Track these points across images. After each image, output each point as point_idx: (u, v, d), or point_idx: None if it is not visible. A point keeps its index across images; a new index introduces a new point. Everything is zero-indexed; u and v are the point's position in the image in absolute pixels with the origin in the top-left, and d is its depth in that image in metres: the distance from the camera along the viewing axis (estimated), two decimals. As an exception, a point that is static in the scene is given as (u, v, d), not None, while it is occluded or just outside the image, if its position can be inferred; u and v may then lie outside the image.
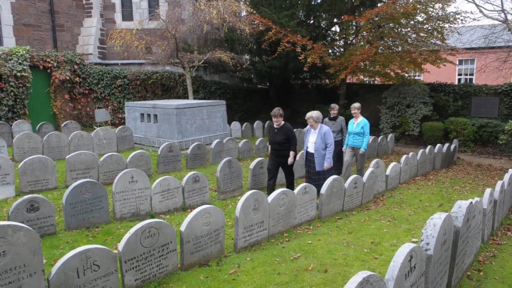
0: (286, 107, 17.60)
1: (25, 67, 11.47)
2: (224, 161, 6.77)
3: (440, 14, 13.34)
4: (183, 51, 13.89)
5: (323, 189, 5.66)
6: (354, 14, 14.71)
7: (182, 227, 3.87)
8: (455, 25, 13.64)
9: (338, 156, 8.15)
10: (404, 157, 8.72)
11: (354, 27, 15.75)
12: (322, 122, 6.76)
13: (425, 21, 13.55)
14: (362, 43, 14.84)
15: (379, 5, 14.46)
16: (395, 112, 14.45)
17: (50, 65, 12.61)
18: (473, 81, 21.63)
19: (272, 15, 13.63)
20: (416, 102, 13.96)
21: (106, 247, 3.21)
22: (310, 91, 18.20)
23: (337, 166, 8.00)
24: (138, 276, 3.52)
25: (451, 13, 13.25)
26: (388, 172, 7.80)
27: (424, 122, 13.93)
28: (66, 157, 6.89)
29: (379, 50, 13.91)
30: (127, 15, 16.75)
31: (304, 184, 5.51)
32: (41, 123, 10.92)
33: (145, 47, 13.46)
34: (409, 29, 14.01)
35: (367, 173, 6.81)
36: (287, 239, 4.91)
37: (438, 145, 10.67)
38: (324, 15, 15.62)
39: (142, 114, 11.07)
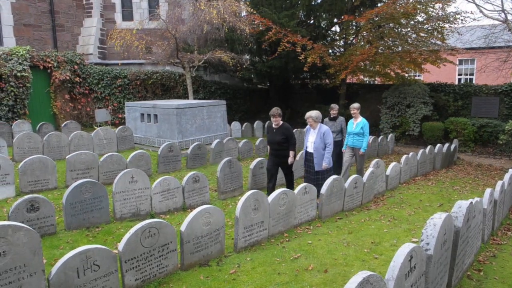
0: (286, 107, 17.61)
1: (25, 67, 11.47)
2: (224, 161, 6.78)
3: (440, 14, 13.34)
4: (183, 51, 13.89)
5: (323, 189, 5.66)
6: (354, 14, 14.71)
7: (182, 227, 3.88)
8: (455, 25, 13.64)
9: (338, 156, 8.15)
10: (404, 157, 8.72)
11: (354, 27, 15.75)
12: (322, 122, 6.76)
13: (425, 21, 13.55)
14: (362, 43, 14.84)
15: (379, 5, 14.46)
16: (395, 112, 14.45)
17: (50, 65, 12.62)
18: (473, 81, 21.63)
19: (272, 15, 13.63)
20: (416, 102, 13.96)
21: (106, 247, 3.21)
22: (310, 91, 18.20)
23: (337, 167, 7.99)
24: (138, 276, 3.52)
25: (451, 13, 13.25)
26: (388, 172, 7.80)
27: (424, 122, 13.93)
28: (66, 157, 6.90)
29: (379, 50, 13.91)
30: (127, 15, 16.76)
31: (304, 184, 5.50)
32: (41, 123, 10.92)
33: (145, 47, 13.46)
34: (409, 29, 14.01)
35: (367, 173, 6.81)
36: (287, 239, 4.91)
37: (438, 145, 10.67)
38: (324, 15, 15.62)
39: (142, 114, 11.08)
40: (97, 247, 3.12)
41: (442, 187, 8.37)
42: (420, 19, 13.76)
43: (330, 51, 16.15)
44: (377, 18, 13.41)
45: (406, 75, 15.87)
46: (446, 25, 13.56)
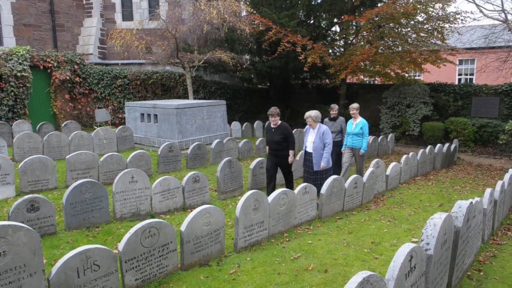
0: (286, 107, 17.62)
1: (25, 67, 11.47)
2: (224, 161, 6.77)
3: (440, 14, 13.34)
4: (183, 51, 13.89)
5: (324, 189, 5.66)
6: (354, 14, 14.71)
7: (182, 227, 3.88)
8: (455, 25, 13.65)
9: (337, 156, 8.14)
10: (404, 157, 8.72)
11: (354, 27, 15.75)
12: (322, 123, 6.75)
13: (425, 21, 13.55)
14: (362, 43, 14.84)
15: (379, 5, 14.47)
16: (395, 112, 14.45)
17: (50, 65, 12.62)
18: (473, 81, 21.62)
19: (272, 15, 13.63)
20: (416, 102, 13.96)
21: (106, 247, 3.21)
22: (310, 91, 18.20)
23: (337, 167, 7.98)
24: (138, 276, 3.52)
25: (451, 13, 13.25)
26: (388, 172, 7.80)
27: (424, 122, 13.93)
28: (66, 157, 6.90)
29: (379, 50, 13.91)
30: (127, 15, 16.76)
31: (304, 184, 5.50)
32: (41, 123, 10.92)
33: (145, 47, 13.46)
34: (409, 29, 14.01)
35: (367, 173, 6.80)
36: (287, 239, 4.91)
37: (438, 145, 10.67)
38: (324, 15, 15.62)
39: (142, 114, 11.08)
40: (97, 247, 3.12)
41: (442, 187, 8.37)
42: (420, 19, 13.77)
43: (330, 51, 16.15)
44: (377, 18, 13.41)
45: (406, 75, 15.87)
46: (446, 25, 13.56)
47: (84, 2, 16.15)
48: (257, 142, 10.81)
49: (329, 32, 17.02)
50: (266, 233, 4.79)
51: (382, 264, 4.10)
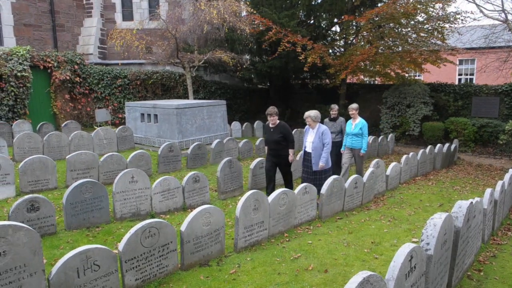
0: (287, 107, 17.63)
1: (25, 67, 11.47)
2: (225, 161, 6.77)
3: (440, 14, 13.34)
4: (184, 51, 13.89)
5: (324, 189, 5.66)
6: (354, 14, 14.72)
7: (183, 227, 3.88)
8: (456, 25, 13.64)
9: (337, 157, 8.12)
10: (404, 157, 8.72)
11: (354, 27, 15.75)
12: (322, 123, 6.74)
13: (425, 21, 13.55)
14: (363, 43, 14.84)
15: (379, 5, 14.46)
16: (395, 112, 14.45)
17: (50, 65, 12.62)
18: (474, 81, 21.62)
19: (273, 15, 13.63)
20: (417, 102, 13.96)
21: (106, 247, 3.21)
22: (311, 91, 18.20)
23: (336, 167, 7.96)
24: (139, 276, 3.52)
25: (452, 13, 13.25)
26: (388, 172, 7.79)
27: (424, 122, 13.93)
28: (67, 157, 6.90)
29: (380, 50, 13.91)
30: (128, 15, 16.76)
31: (305, 184, 5.50)
32: (41, 123, 10.92)
33: (145, 47, 13.46)
34: (409, 29, 14.01)
35: (367, 173, 6.80)
36: (287, 239, 4.91)
37: (439, 145, 10.67)
38: (324, 15, 15.62)
39: (143, 114, 11.08)
40: (97, 247, 3.12)
41: (442, 187, 8.37)
42: (420, 19, 13.77)
43: (330, 51, 16.15)
44: (377, 18, 13.41)
45: (406, 75, 15.88)
46: (446, 25, 13.56)
47: (84, 2, 16.16)
48: (257, 142, 10.81)
49: (329, 32, 17.02)
50: (266, 233, 4.79)
51: (382, 264, 4.10)
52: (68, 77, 12.94)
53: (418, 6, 12.66)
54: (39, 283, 3.00)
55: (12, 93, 11.12)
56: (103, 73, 14.15)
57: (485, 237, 4.70)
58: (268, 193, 6.32)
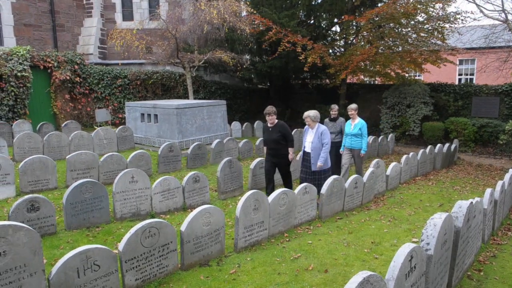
0: (287, 107, 17.62)
1: (25, 67, 11.48)
2: (225, 161, 6.77)
3: (440, 14, 13.34)
4: (184, 51, 13.89)
5: (324, 189, 5.66)
6: (354, 14, 14.71)
7: (183, 227, 3.88)
8: (456, 25, 13.64)
9: (336, 157, 8.10)
10: (404, 157, 8.72)
11: (354, 27, 15.75)
12: (322, 123, 6.72)
13: (425, 21, 13.55)
14: (363, 43, 14.84)
15: (379, 5, 14.46)
16: (395, 112, 14.45)
17: (50, 65, 12.62)
18: (474, 81, 21.62)
19: (273, 15, 13.63)
20: (417, 102, 13.96)
21: (106, 247, 3.21)
22: (311, 91, 18.19)
23: (336, 167, 7.95)
24: (139, 276, 3.52)
25: (452, 13, 13.25)
26: (388, 172, 7.79)
27: (424, 122, 13.93)
28: (67, 157, 6.90)
29: (380, 50, 13.91)
30: (128, 15, 16.76)
31: (305, 184, 5.50)
32: (41, 123, 10.92)
33: (145, 47, 13.46)
34: (409, 29, 14.01)
35: (367, 173, 6.80)
36: (287, 239, 4.91)
37: (439, 145, 10.67)
38: (324, 15, 15.62)
39: (143, 114, 11.08)
40: (97, 247, 3.12)
41: (442, 187, 8.37)
42: (421, 19, 13.76)
43: (330, 51, 16.15)
44: (377, 18, 13.41)
45: (407, 75, 15.88)
46: (447, 25, 13.56)
47: (84, 2, 16.16)
48: (257, 142, 10.81)
49: (329, 32, 17.02)
50: (266, 233, 4.79)
51: (382, 264, 4.10)
52: (68, 77, 12.95)
53: (418, 6, 12.66)
54: (39, 283, 3.00)
55: (12, 93, 11.13)
56: (103, 73, 14.15)
57: (485, 237, 4.70)
58: (268, 194, 6.31)
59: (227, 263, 4.12)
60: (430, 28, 13.63)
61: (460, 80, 22.74)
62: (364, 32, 14.25)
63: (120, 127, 10.44)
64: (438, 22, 13.40)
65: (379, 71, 14.95)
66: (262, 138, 11.01)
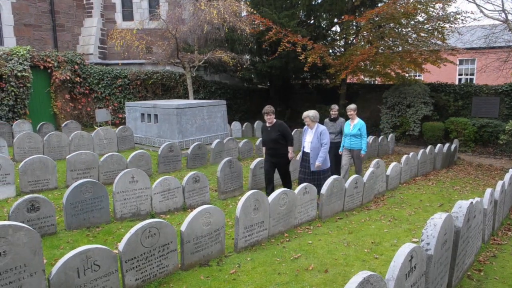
0: (287, 107, 17.62)
1: (25, 67, 11.48)
2: (225, 161, 6.77)
3: (440, 14, 13.34)
4: (184, 51, 13.89)
5: (324, 189, 5.66)
6: (354, 14, 14.71)
7: (183, 227, 3.88)
8: (456, 25, 13.64)
9: (336, 157, 8.08)
10: (404, 157, 8.72)
11: (354, 27, 15.75)
12: (322, 123, 6.71)
13: (425, 21, 13.55)
14: (363, 43, 14.84)
15: (379, 5, 14.46)
16: (395, 112, 14.45)
17: (50, 65, 12.62)
18: (474, 81, 21.62)
19: (273, 15, 13.63)
20: (417, 102, 13.96)
21: (106, 247, 3.21)
22: (311, 91, 18.19)
23: (335, 168, 7.94)
24: (139, 276, 3.52)
25: (452, 13, 13.25)
26: (388, 172, 7.79)
27: (424, 122, 13.92)
28: (67, 157, 6.90)
29: (380, 50, 13.91)
30: (128, 15, 16.77)
31: (305, 184, 5.50)
32: (41, 123, 10.93)
33: (145, 47, 13.46)
34: (409, 29, 14.01)
35: (367, 173, 6.80)
36: (287, 239, 4.91)
37: (439, 145, 10.66)
38: (324, 15, 15.62)
39: (143, 114, 11.08)
40: (98, 247, 3.12)
41: (442, 187, 8.37)
42: (421, 19, 13.76)
43: (330, 51, 16.15)
44: (377, 18, 13.40)
45: (407, 75, 15.87)
46: (447, 25, 13.56)
47: (85, 2, 16.16)
48: (257, 142, 10.81)
49: (329, 32, 17.02)
50: (266, 233, 4.79)
51: (383, 264, 4.10)
52: (68, 77, 12.95)
53: (418, 6, 12.66)
54: (39, 283, 3.00)
55: (12, 93, 11.13)
56: (103, 73, 14.15)
57: (485, 237, 4.70)
58: (268, 194, 6.30)
59: (227, 263, 4.12)
60: (430, 28, 13.63)
61: (460, 80, 22.74)
62: (364, 32, 14.25)
63: (120, 127, 10.44)
64: (438, 22, 13.40)
65: (379, 71, 14.95)
66: (261, 138, 11.02)
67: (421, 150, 9.63)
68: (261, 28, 13.71)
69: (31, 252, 2.95)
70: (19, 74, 11.21)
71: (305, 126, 6.61)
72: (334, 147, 7.91)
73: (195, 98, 14.46)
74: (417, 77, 19.32)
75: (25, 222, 4.38)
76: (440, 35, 13.48)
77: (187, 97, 14.31)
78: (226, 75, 17.85)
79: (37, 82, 12.20)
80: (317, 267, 4.00)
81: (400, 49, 14.03)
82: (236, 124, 13.73)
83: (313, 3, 15.36)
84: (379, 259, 4.27)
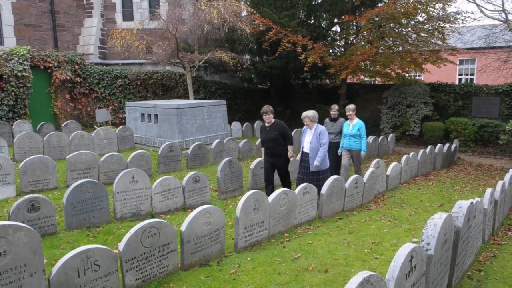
0: (287, 107, 17.62)
1: (25, 67, 11.48)
2: (225, 161, 6.77)
3: (440, 14, 13.34)
4: (184, 51, 13.89)
5: (324, 189, 5.66)
6: (354, 14, 14.71)
7: (183, 227, 3.88)
8: (456, 25, 13.64)
9: (337, 157, 8.07)
10: (404, 157, 8.72)
11: (354, 27, 15.75)
12: (323, 123, 6.70)
13: (425, 21, 13.55)
14: (363, 43, 14.83)
15: (379, 5, 14.46)
16: (395, 112, 14.45)
17: (50, 65, 12.62)
18: (474, 81, 21.62)
19: (273, 15, 13.63)
20: (417, 102, 13.96)
21: (106, 247, 3.21)
22: (311, 91, 18.19)
23: (334, 168, 7.92)
24: (139, 276, 3.52)
25: (452, 13, 13.25)
26: (388, 172, 7.79)
27: (424, 122, 13.92)
28: (67, 157, 6.90)
29: (380, 50, 13.91)
30: (128, 15, 16.77)
31: (305, 184, 5.50)
32: (41, 123, 10.93)
33: (145, 47, 13.46)
34: (409, 29, 14.01)
35: (367, 173, 6.79)
36: (287, 239, 4.91)
37: (439, 145, 10.66)
38: (324, 15, 15.62)
39: (143, 114, 11.08)
40: (98, 247, 3.12)
41: (442, 187, 8.37)
42: (421, 19, 13.76)
43: (330, 51, 16.15)
44: (377, 18, 13.40)
45: (407, 75, 15.87)
46: (447, 25, 13.56)
47: (85, 2, 16.16)
48: (258, 142, 10.79)
49: (329, 32, 17.01)
50: (267, 233, 4.79)
51: (383, 264, 4.10)
52: (68, 77, 12.95)
53: (419, 6, 12.66)
54: (40, 283, 3.00)
55: (13, 93, 11.13)
56: (104, 73, 14.16)
57: (485, 237, 4.70)
58: (268, 195, 6.29)
59: (227, 263, 4.12)
60: (430, 28, 13.63)
61: (460, 80, 22.73)
62: (364, 32, 14.25)
63: (120, 127, 10.44)
64: (438, 22, 13.40)
65: (379, 71, 14.94)
66: (262, 138, 11.01)
67: (421, 150, 9.63)
68: (261, 28, 13.70)
69: (31, 252, 2.95)
70: (19, 74, 11.22)
71: (304, 127, 6.58)
72: (335, 147, 7.91)
73: (195, 98, 14.46)
74: (417, 77, 19.31)
75: (25, 222, 4.38)
76: (440, 35, 13.47)
77: (187, 97, 14.31)
78: (226, 75, 17.85)
79: (37, 82, 12.20)
80: (317, 267, 4.00)
81: (400, 49, 14.03)
82: (236, 124, 13.73)
83: (313, 3, 15.36)
84: (379, 259, 4.27)
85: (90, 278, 3.06)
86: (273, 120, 6.54)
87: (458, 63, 21.16)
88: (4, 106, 11.03)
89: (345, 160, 7.76)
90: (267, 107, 6.46)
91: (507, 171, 7.66)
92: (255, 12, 13.45)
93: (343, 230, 5.32)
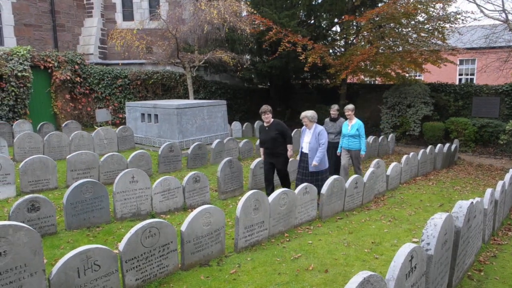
0: (287, 107, 17.62)
1: (26, 67, 11.48)
2: (225, 161, 6.77)
3: (441, 14, 13.34)
4: (184, 51, 13.89)
5: (324, 189, 5.66)
6: (354, 14, 14.71)
7: (183, 227, 3.88)
8: (456, 25, 13.63)
9: (337, 157, 8.07)
10: (404, 157, 8.71)
11: (354, 27, 15.75)
12: (322, 123, 6.69)
13: (425, 21, 13.55)
14: (363, 43, 14.84)
15: (379, 5, 14.46)
16: (395, 112, 14.45)
17: (51, 65, 12.63)
18: (474, 81, 21.61)
19: (273, 15, 13.63)
20: (417, 102, 13.96)
21: (106, 247, 3.21)
22: (311, 91, 18.19)
23: (334, 168, 7.92)
24: (139, 276, 3.52)
25: (452, 13, 13.25)
26: (388, 172, 7.79)
27: (425, 122, 13.92)
28: (67, 157, 6.90)
29: (380, 50, 13.90)
30: (128, 15, 16.77)
31: (305, 184, 5.50)
32: (42, 123, 10.93)
33: (145, 47, 13.46)
34: (409, 29, 14.01)
35: (367, 173, 6.79)
36: (287, 239, 4.91)
37: (439, 145, 10.66)
38: (324, 15, 15.62)
39: (143, 114, 11.08)
40: (98, 247, 3.12)
41: (442, 187, 8.37)
42: (421, 19, 13.76)
43: (330, 51, 16.15)
44: (377, 18, 13.40)
45: (407, 75, 15.87)
46: (447, 25, 13.56)
47: (85, 2, 16.17)
48: (257, 142, 10.78)
49: (329, 32, 17.01)
50: (267, 233, 4.79)
51: (383, 264, 4.10)
52: (68, 77, 12.95)
53: (419, 6, 12.65)
54: (40, 283, 3.00)
55: (13, 93, 11.13)
56: (104, 73, 14.16)
57: (485, 237, 4.70)
58: (268, 195, 6.28)
59: (228, 263, 4.12)
60: (430, 28, 13.63)
61: (460, 80, 22.73)
62: (365, 32, 14.25)
63: (121, 127, 10.44)
64: (439, 22, 13.40)
65: (379, 71, 14.94)
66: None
67: (422, 150, 9.63)
68: (261, 28, 13.70)
69: (31, 252, 2.95)
70: (19, 74, 11.22)
71: (303, 127, 6.56)
72: (335, 147, 7.90)
73: (195, 98, 14.46)
74: (417, 77, 19.31)
75: (25, 222, 4.38)
76: (440, 35, 13.47)
77: (187, 97, 14.31)
78: (226, 75, 17.85)
79: (37, 82, 12.20)
80: (317, 267, 4.00)
81: (400, 49, 14.03)
82: (236, 124, 13.73)
83: (313, 3, 15.36)
84: (379, 259, 4.27)
85: (90, 278, 3.06)
86: (272, 119, 6.54)
87: (458, 63, 21.16)
88: (4, 106, 11.03)
89: (344, 160, 7.76)
90: (265, 107, 6.46)
91: (507, 171, 7.66)
92: (255, 12, 13.45)
93: (343, 230, 5.32)
